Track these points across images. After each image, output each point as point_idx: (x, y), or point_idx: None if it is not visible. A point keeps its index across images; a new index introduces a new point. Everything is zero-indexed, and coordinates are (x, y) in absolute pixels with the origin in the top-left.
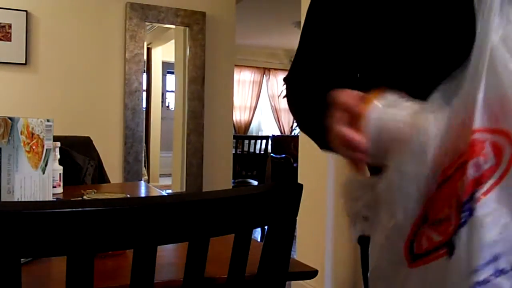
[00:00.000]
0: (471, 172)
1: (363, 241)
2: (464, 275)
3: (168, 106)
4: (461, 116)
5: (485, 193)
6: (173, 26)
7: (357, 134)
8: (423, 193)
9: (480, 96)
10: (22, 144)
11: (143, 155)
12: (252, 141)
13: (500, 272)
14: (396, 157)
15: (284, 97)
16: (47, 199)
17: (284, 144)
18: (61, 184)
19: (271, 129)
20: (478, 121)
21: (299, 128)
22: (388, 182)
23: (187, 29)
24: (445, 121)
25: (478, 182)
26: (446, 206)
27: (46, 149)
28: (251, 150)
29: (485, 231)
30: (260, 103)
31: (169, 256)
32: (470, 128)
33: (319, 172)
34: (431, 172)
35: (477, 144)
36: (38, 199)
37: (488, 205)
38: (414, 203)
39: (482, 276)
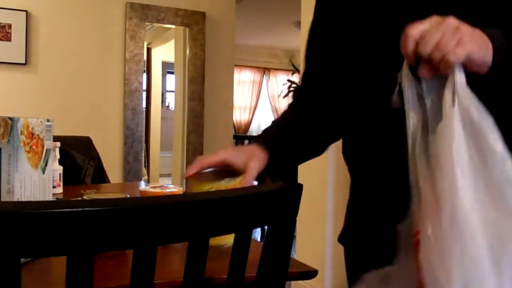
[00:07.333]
0: None
1: (346, 241)
2: None
3: (168, 106)
4: None
5: None
6: (173, 26)
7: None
8: None
9: None
10: (22, 144)
11: (143, 155)
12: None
13: None
14: None
15: (284, 97)
16: (47, 199)
17: None
18: (61, 184)
19: None
20: None
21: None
22: None
23: (187, 29)
24: None
25: None
26: None
27: (46, 149)
28: None
29: None
30: (260, 103)
31: (169, 256)
32: None
33: (319, 172)
34: None
35: None
36: (38, 199)
37: None
38: None
39: None
